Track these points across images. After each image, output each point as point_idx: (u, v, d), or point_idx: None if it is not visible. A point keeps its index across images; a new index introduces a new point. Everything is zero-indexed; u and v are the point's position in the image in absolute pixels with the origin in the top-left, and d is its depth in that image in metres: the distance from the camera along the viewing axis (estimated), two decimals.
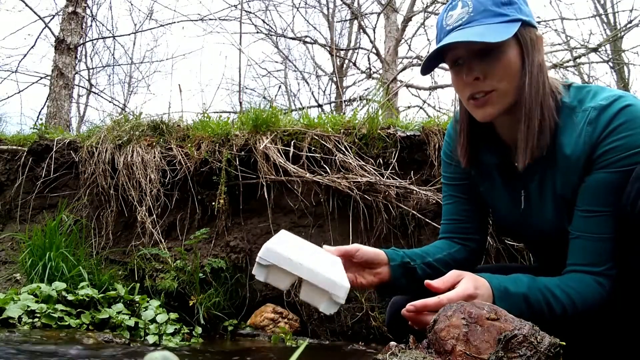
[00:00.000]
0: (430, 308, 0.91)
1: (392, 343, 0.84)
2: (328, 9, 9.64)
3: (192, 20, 6.96)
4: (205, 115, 2.83)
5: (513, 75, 1.03)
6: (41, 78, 6.99)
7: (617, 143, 0.97)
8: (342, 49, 9.96)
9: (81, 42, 5.54)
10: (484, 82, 1.04)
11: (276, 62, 11.19)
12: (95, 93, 10.01)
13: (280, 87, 11.47)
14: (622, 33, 7.32)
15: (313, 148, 2.42)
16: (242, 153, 2.45)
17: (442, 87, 7.77)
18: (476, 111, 1.08)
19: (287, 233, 1.13)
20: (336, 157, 2.35)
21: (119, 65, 10.74)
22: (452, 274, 0.98)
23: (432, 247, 1.28)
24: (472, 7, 1.02)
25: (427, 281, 0.96)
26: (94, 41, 9.30)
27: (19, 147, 2.99)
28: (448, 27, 1.05)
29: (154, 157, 2.57)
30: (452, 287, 0.95)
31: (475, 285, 0.94)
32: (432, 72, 8.11)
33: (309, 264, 0.86)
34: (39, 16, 6.28)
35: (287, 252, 0.86)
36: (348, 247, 1.14)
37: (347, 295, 0.88)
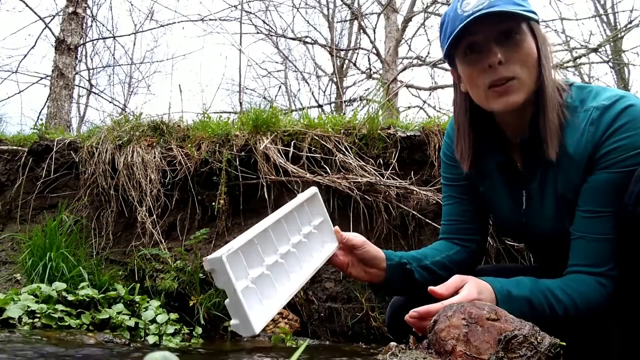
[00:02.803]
0: (434, 314, 0.90)
1: (393, 343, 0.84)
2: (328, 9, 9.66)
3: (192, 21, 6.98)
4: (206, 115, 2.83)
5: (532, 64, 1.03)
6: (41, 78, 7.00)
7: (619, 143, 0.97)
8: (342, 50, 9.96)
9: (81, 42, 5.54)
10: (506, 67, 1.01)
11: (276, 62, 11.20)
12: (95, 93, 10.03)
13: (280, 87, 11.48)
14: (622, 33, 7.32)
15: (313, 148, 2.42)
16: (242, 153, 2.45)
17: (442, 87, 7.76)
18: (497, 101, 1.04)
19: (315, 196, 1.16)
20: (336, 158, 2.35)
21: (119, 65, 10.74)
22: (455, 279, 0.97)
23: (430, 249, 1.28)
24: None
25: (430, 288, 0.96)
26: (94, 41, 9.30)
27: (19, 148, 2.99)
28: (466, 13, 1.01)
29: (154, 157, 2.57)
30: (455, 293, 0.95)
31: (479, 289, 0.94)
32: (433, 73, 8.11)
33: (242, 292, 0.87)
34: (39, 16, 6.30)
35: (232, 272, 0.87)
36: (355, 241, 1.15)
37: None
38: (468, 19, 0.99)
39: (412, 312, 0.93)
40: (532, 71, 1.03)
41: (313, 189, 1.18)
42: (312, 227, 1.16)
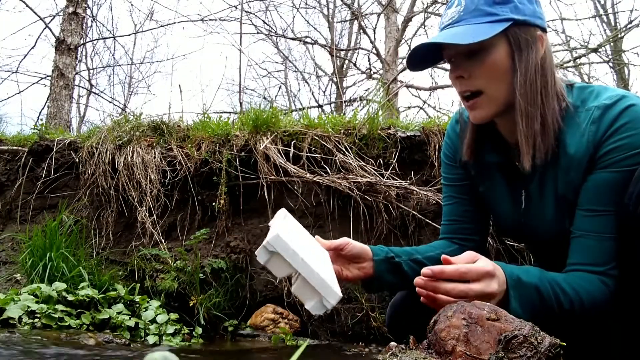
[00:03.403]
0: (447, 275, 0.89)
1: (393, 343, 0.84)
2: (328, 9, 9.66)
3: (192, 21, 6.98)
4: (206, 115, 2.83)
5: (501, 76, 1.03)
6: (41, 78, 7.01)
7: (620, 142, 0.97)
8: (342, 50, 9.96)
9: (81, 42, 5.54)
10: (469, 81, 1.05)
11: (276, 62, 11.21)
12: (95, 93, 10.05)
13: (280, 87, 11.50)
14: (622, 33, 7.32)
15: (313, 148, 2.42)
16: (243, 153, 2.45)
17: (442, 87, 7.76)
18: (469, 112, 1.10)
19: (287, 215, 1.15)
20: (336, 158, 2.35)
21: (119, 65, 10.75)
22: (469, 254, 0.95)
23: (427, 245, 1.29)
24: (463, 6, 1.03)
25: (444, 256, 0.94)
26: (94, 41, 9.30)
27: (20, 148, 2.99)
28: (442, 26, 1.06)
29: (154, 157, 2.57)
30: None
31: (493, 265, 0.93)
32: (433, 73, 8.12)
33: (311, 262, 0.86)
34: (39, 17, 6.29)
35: (294, 245, 0.86)
36: (338, 242, 1.15)
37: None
38: (430, 39, 1.05)
39: (426, 269, 0.90)
40: (504, 83, 1.03)
41: (282, 211, 1.18)
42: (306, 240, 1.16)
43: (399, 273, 1.18)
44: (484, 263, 0.92)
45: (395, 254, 1.19)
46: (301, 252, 0.86)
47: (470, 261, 0.93)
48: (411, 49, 1.09)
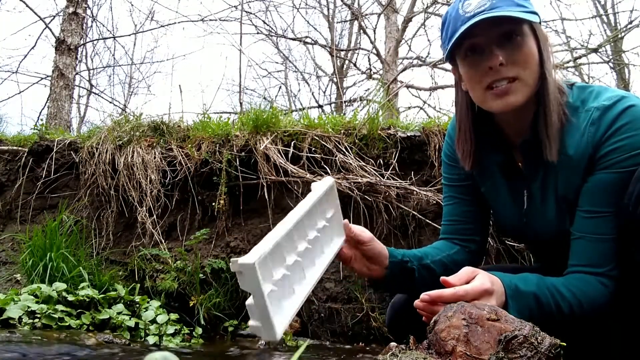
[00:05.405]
0: (445, 299, 0.90)
1: (393, 344, 0.84)
2: (328, 9, 9.65)
3: (192, 21, 6.99)
4: (206, 115, 2.83)
5: (534, 65, 1.03)
6: (42, 79, 7.02)
7: (620, 143, 0.97)
8: (342, 50, 9.95)
9: (82, 42, 5.54)
10: (507, 68, 1.01)
11: (276, 62, 11.22)
12: (95, 94, 10.05)
13: (280, 87, 11.48)
14: (623, 34, 7.33)
15: (313, 148, 2.42)
16: (243, 154, 2.45)
17: (442, 87, 7.76)
18: (496, 101, 1.04)
19: (331, 190, 1.13)
20: (336, 158, 2.35)
21: (119, 65, 10.72)
22: (466, 270, 0.97)
23: (432, 248, 1.28)
24: None
25: (442, 278, 0.95)
26: (95, 42, 9.29)
27: (20, 148, 2.99)
28: (468, 14, 1.01)
29: (155, 157, 2.57)
30: (466, 283, 0.95)
31: (491, 280, 0.94)
32: (433, 73, 8.11)
33: (266, 297, 0.85)
34: (39, 17, 6.30)
35: (262, 276, 0.84)
36: (362, 236, 1.14)
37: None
38: (469, 22, 0.98)
39: (424, 295, 0.92)
40: (534, 72, 1.03)
41: (330, 180, 1.16)
42: (325, 220, 1.14)
43: (409, 278, 1.18)
44: (481, 280, 0.93)
45: (409, 258, 1.19)
46: (265, 287, 0.84)
47: (468, 279, 0.94)
48: (461, 30, 1.00)
